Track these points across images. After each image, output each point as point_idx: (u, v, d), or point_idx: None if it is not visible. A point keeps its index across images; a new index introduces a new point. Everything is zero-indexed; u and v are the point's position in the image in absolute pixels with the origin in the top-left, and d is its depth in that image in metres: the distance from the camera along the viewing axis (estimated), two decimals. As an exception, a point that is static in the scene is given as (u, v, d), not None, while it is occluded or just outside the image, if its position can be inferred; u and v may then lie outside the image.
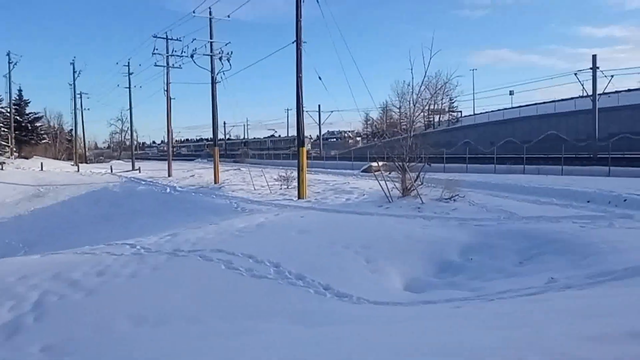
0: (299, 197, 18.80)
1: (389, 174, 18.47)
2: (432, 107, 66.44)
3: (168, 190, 26.15)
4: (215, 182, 27.07)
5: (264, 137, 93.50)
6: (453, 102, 69.09)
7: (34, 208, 27.57)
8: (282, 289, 7.91)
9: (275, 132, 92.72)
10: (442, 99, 67.49)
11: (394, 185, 16.86)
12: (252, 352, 4.98)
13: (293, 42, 19.06)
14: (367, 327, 5.53)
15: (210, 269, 8.77)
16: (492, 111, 61.10)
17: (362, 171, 32.13)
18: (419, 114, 18.04)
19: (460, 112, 70.26)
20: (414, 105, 17.12)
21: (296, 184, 19.70)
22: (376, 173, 18.59)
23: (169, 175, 33.30)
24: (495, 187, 18.84)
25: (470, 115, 67.17)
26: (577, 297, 4.93)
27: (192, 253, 9.81)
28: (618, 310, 3.40)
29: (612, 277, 5.95)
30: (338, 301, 7.46)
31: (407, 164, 16.52)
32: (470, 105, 76.08)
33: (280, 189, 21.95)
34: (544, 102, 54.85)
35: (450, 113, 69.34)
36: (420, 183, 16.86)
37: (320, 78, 19.42)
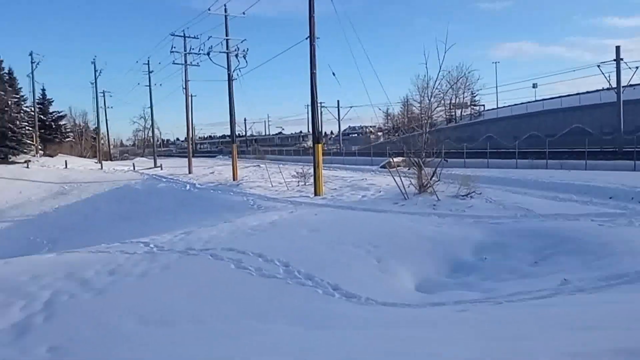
0: (315, 194, 18.76)
1: (408, 169, 18.29)
2: (453, 101, 66.05)
3: (188, 187, 26.41)
4: (233, 179, 27.21)
5: (272, 134, 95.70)
6: (475, 96, 68.30)
7: (58, 205, 28.16)
8: (290, 289, 7.86)
9: (283, 129, 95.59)
10: (463, 93, 67.01)
11: (410, 181, 16.67)
12: (250, 355, 4.95)
13: (306, 38, 19.00)
14: (367, 331, 5.44)
15: (220, 268, 8.77)
16: (515, 105, 60.02)
17: (381, 167, 31.92)
18: (436, 108, 17.79)
19: (483, 105, 69.20)
20: (430, 100, 16.89)
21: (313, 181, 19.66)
22: (393, 169, 18.41)
23: (190, 172, 33.60)
24: (515, 182, 18.48)
25: (493, 109, 66.11)
26: (581, 304, 4.77)
27: (204, 252, 9.82)
28: (615, 320, 3.25)
29: (624, 280, 5.75)
30: (346, 302, 7.38)
31: (423, 159, 16.31)
32: (493, 98, 75.05)
33: (298, 185, 21.95)
34: (569, 95, 53.63)
35: (472, 107, 68.35)
36: (437, 179, 16.63)
37: (334, 74, 19.41)
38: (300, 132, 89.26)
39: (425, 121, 16.93)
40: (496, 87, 72.67)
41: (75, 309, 7.09)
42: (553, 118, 47.23)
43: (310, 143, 79.95)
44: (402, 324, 5.62)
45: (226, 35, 28.26)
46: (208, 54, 28.73)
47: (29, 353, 5.72)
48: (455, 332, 4.01)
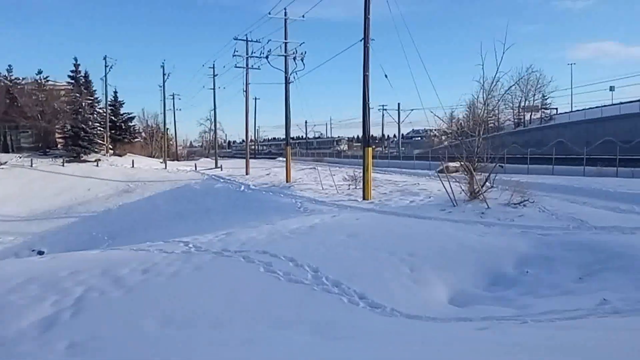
0: (363, 198, 18.47)
1: (467, 175, 17.62)
2: (522, 104, 63.29)
3: (242, 188, 26.84)
4: (286, 181, 27.37)
5: (311, 138, 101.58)
6: (546, 99, 64.92)
7: (122, 203, 29.44)
8: (315, 295, 7.71)
9: (321, 133, 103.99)
10: (533, 96, 64.01)
11: (462, 188, 16.04)
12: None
13: (360, 40, 18.73)
14: (378, 345, 5.18)
15: (249, 271, 8.74)
16: (590, 108, 56.69)
17: (438, 172, 31.03)
18: (492, 111, 17.01)
19: (556, 109, 65.62)
20: (484, 103, 16.14)
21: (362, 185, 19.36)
22: (448, 174, 17.78)
23: (247, 174, 34.16)
24: (577, 191, 17.33)
25: (565, 112, 62.70)
26: (607, 328, 4.27)
27: (238, 253, 9.84)
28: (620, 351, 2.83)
29: (668, 304, 5.14)
30: (370, 312, 7.14)
31: (475, 165, 15.62)
32: (567, 101, 70.96)
33: (348, 189, 21.71)
34: (649, 98, 49.94)
35: (543, 110, 65.02)
36: (490, 186, 15.90)
37: (386, 76, 19.10)
38: (331, 136, 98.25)
39: (479, 126, 16.18)
40: (571, 89, 68.55)
41: (102, 306, 7.24)
42: (630, 123, 44.13)
43: (343, 146, 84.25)
44: (416, 341, 5.31)
45: (285, 39, 28.45)
46: (267, 57, 29.10)
47: (48, 348, 5.87)
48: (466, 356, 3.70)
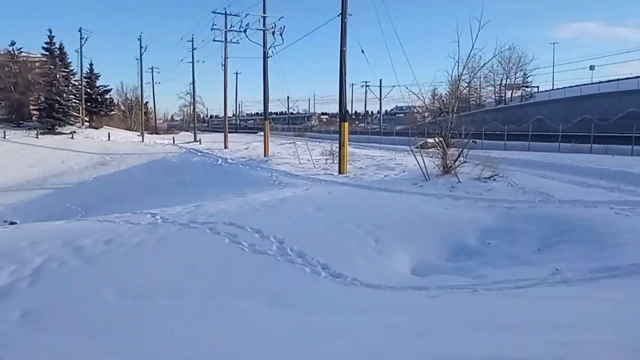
0: (339, 172, 18.50)
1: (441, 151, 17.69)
2: (504, 82, 63.47)
3: (219, 162, 26.67)
4: (264, 155, 27.25)
5: (288, 114, 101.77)
6: (527, 77, 65.21)
7: (97, 175, 29.08)
8: (278, 266, 7.72)
9: (294, 108, 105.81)
10: (515, 74, 64.21)
11: (434, 163, 16.14)
12: (213, 335, 4.84)
13: (338, 15, 18.55)
14: (329, 312, 5.22)
15: (213, 242, 8.71)
16: (569, 87, 57.15)
17: (416, 148, 31.11)
18: (465, 88, 17.04)
19: (537, 87, 66.07)
20: (459, 80, 16.13)
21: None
22: (419, 150, 17.85)
23: (225, 147, 33.92)
24: (549, 166, 17.57)
25: (547, 90, 63.12)
26: (546, 298, 4.36)
27: (204, 225, 9.78)
28: (545, 322, 2.87)
29: (611, 274, 5.25)
30: (330, 282, 7.18)
31: (448, 141, 15.70)
32: (549, 79, 71.11)
33: (325, 163, 21.71)
34: (627, 78, 50.40)
35: (524, 88, 65.37)
36: (463, 160, 16.01)
37: (363, 52, 18.98)
38: (305, 111, 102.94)
39: (453, 102, 16.20)
40: (553, 68, 68.91)
41: (61, 276, 7.15)
42: (608, 101, 44.58)
43: (314, 122, 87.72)
44: (366, 308, 5.36)
45: (264, 13, 28.00)
46: (245, 31, 28.68)
47: (1, 317, 5.80)
48: (405, 326, 3.74)
